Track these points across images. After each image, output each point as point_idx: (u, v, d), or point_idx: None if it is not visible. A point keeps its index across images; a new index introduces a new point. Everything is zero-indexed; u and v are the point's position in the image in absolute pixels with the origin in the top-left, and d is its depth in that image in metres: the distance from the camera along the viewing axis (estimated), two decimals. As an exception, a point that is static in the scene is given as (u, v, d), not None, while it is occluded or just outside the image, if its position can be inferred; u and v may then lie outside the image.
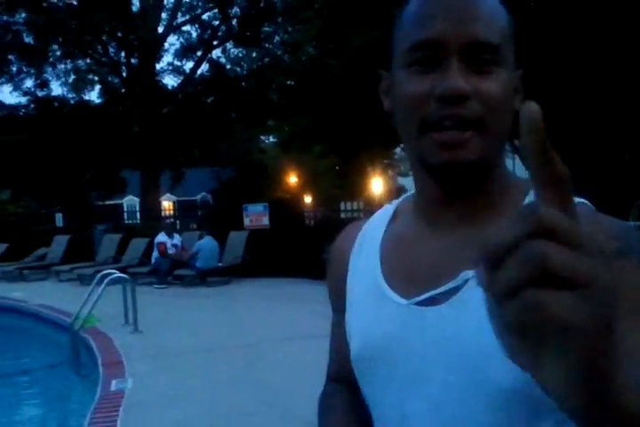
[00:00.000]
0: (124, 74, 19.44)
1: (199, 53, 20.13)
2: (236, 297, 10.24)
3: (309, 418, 3.49)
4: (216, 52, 20.81)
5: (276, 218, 12.73)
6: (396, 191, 13.65)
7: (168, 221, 14.76)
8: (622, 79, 8.25)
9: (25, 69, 19.29)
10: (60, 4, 18.23)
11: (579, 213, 0.41)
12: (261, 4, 19.17)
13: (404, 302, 0.75)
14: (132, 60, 19.19)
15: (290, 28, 17.39)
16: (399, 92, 0.73)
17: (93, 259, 13.85)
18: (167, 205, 19.40)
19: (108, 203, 22.52)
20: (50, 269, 13.54)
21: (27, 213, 17.10)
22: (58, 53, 19.21)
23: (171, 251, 12.19)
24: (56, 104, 19.51)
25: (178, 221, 16.05)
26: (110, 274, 7.63)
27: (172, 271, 11.83)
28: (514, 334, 0.38)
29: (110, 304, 7.49)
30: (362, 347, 0.79)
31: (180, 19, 19.88)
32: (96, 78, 19.67)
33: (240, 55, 21.14)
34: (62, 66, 19.45)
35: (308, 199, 15.34)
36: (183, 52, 20.15)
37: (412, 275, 0.76)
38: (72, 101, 19.71)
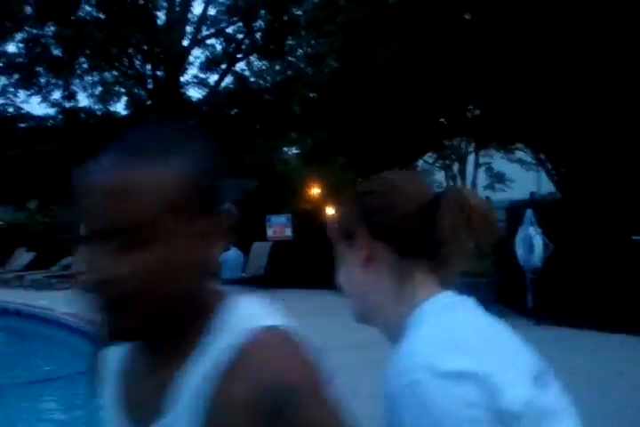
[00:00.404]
0: (150, 86, 19.77)
1: (223, 66, 20.41)
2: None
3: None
4: (240, 65, 21.09)
5: (299, 229, 12.80)
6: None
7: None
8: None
9: (53, 81, 19.70)
10: (88, 18, 18.63)
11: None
12: (285, 18, 19.41)
13: None
14: (158, 73, 19.52)
15: (313, 42, 17.56)
16: None
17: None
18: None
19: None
20: (76, 277, 13.73)
21: (53, 223, 17.38)
22: (85, 66, 19.59)
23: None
24: (83, 115, 19.88)
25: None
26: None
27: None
28: None
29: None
30: None
31: (205, 32, 20.20)
32: (122, 90, 20.00)
33: (264, 68, 21.38)
34: (89, 78, 19.82)
35: (330, 211, 15.38)
36: (208, 65, 20.44)
37: (133, 412, 0.79)
38: (98, 113, 20.08)
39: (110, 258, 0.69)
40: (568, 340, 6.68)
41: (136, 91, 20.26)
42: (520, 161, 19.03)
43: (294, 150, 23.53)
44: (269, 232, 13.06)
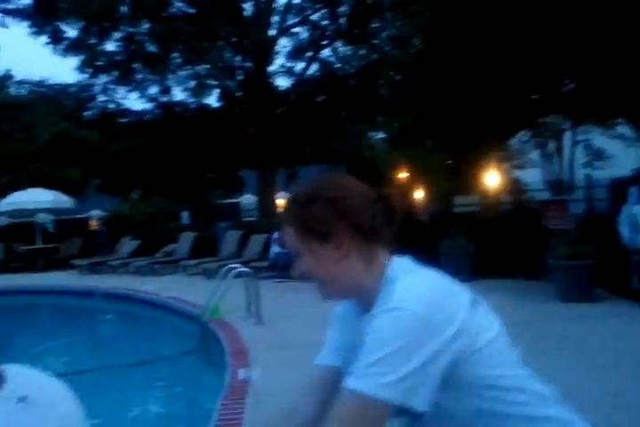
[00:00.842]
0: (240, 77, 20.22)
1: (309, 54, 20.53)
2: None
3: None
4: (325, 52, 21.13)
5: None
6: (512, 184, 13.22)
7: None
8: None
9: (149, 77, 20.53)
10: (179, 14, 19.25)
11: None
12: (369, 1, 19.24)
13: None
14: (247, 64, 19.92)
15: (398, 23, 17.32)
16: None
17: (217, 254, 14.58)
18: (283, 202, 19.96)
19: (227, 201, 23.56)
20: (178, 263, 14.42)
21: (156, 212, 18.26)
22: (178, 60, 20.27)
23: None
24: (178, 109, 20.64)
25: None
26: (234, 268, 8.03)
27: (290, 266, 12.21)
28: None
29: (233, 297, 7.84)
30: None
31: (291, 21, 20.36)
32: (214, 83, 20.55)
33: (349, 53, 21.32)
34: (183, 72, 20.51)
35: (419, 195, 15.23)
36: (294, 54, 20.62)
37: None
38: (192, 106, 20.77)
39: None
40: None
41: (227, 83, 20.76)
42: (621, 137, 18.00)
43: (381, 135, 23.41)
44: (360, 217, 13.11)
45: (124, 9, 18.90)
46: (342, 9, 19.88)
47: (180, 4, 19.45)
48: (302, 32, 20.52)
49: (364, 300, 1.26)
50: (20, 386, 1.00)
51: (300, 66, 20.79)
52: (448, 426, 1.16)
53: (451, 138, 13.79)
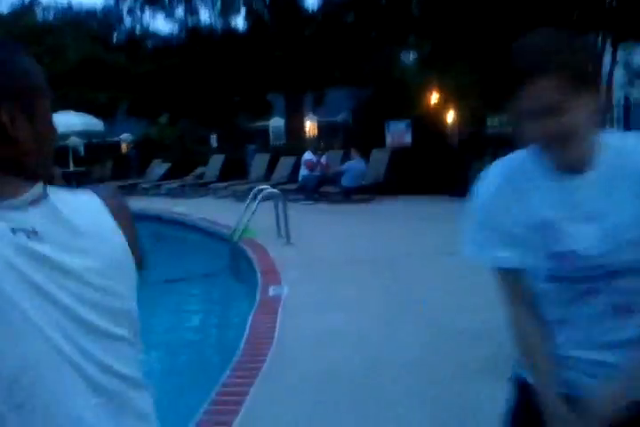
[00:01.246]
0: (267, -2, 19.55)
1: (339, -30, 19.63)
2: (379, 214, 10.51)
3: (452, 327, 3.74)
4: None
5: (418, 135, 12.64)
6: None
7: (312, 140, 15.20)
8: None
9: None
10: None
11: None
12: None
13: None
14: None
15: None
16: None
17: (246, 177, 14.73)
18: (310, 125, 19.84)
19: (255, 124, 23.45)
20: (208, 186, 14.63)
21: (184, 135, 18.31)
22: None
23: (317, 169, 12.68)
24: (204, 32, 20.18)
25: (321, 141, 16.44)
26: (263, 190, 8.15)
27: (318, 188, 12.34)
28: None
29: (263, 219, 8.00)
30: None
31: None
32: (241, 3, 19.95)
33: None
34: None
35: (450, 117, 14.96)
36: (322, -29, 19.74)
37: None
38: (219, 28, 20.28)
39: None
40: None
41: (254, 4, 20.11)
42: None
43: (412, 55, 22.69)
44: (388, 139, 13.01)
45: None
46: None
47: None
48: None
49: (575, 159, 1.19)
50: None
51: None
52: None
53: (484, 59, 13.34)
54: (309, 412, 3.17)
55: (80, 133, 17.91)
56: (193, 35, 20.03)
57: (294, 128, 19.01)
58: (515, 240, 1.25)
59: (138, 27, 20.67)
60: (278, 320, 4.67)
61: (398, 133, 12.91)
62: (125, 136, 22.15)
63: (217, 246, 8.40)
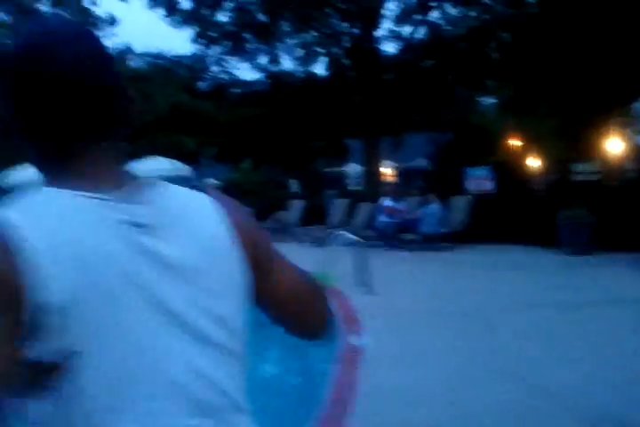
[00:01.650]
0: (347, 44, 20.12)
1: (417, 17, 20.02)
2: (463, 262, 10.31)
3: (545, 385, 3.61)
4: (434, 14, 20.49)
5: (500, 182, 12.46)
6: (636, 151, 12.45)
7: (390, 186, 15.26)
8: None
9: (259, 47, 20.88)
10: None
11: None
12: (480, -40, 18.41)
13: None
14: (354, 31, 19.77)
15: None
16: None
17: (326, 222, 14.88)
18: (388, 171, 19.94)
19: (333, 170, 23.82)
20: (288, 231, 14.86)
21: (265, 181, 18.81)
22: (287, 29, 20.44)
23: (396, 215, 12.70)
24: (286, 78, 20.92)
25: (398, 187, 16.49)
26: (343, 235, 8.20)
27: (397, 235, 12.30)
28: None
29: (341, 265, 8.00)
30: None
31: (398, -17, 19.86)
32: (322, 51, 20.60)
33: (459, 15, 20.57)
34: (291, 41, 20.69)
35: (532, 163, 14.70)
36: (402, 17, 20.18)
37: None
38: (300, 75, 20.98)
39: None
40: None
41: (334, 50, 20.73)
42: None
43: (492, 100, 22.60)
44: (469, 185, 12.88)
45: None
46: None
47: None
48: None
49: None
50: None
51: (407, 30, 20.37)
52: None
53: (566, 103, 13.13)
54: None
55: (168, 178, 18.64)
56: (275, 81, 20.80)
57: (371, 173, 19.17)
58: None
59: (224, 75, 21.70)
60: (359, 373, 4.62)
61: (479, 180, 12.78)
62: (210, 181, 22.93)
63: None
